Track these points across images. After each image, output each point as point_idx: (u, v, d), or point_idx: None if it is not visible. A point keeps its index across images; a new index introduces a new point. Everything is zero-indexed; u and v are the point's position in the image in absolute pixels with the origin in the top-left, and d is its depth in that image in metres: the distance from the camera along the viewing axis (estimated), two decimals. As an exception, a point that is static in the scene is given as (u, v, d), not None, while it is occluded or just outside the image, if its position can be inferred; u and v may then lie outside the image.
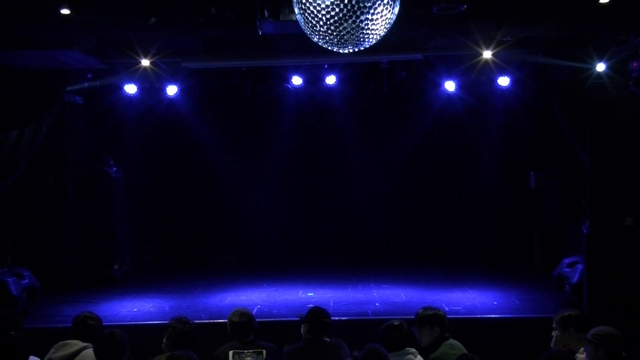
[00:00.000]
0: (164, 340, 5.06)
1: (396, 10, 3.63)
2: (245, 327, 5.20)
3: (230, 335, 5.24)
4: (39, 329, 7.03)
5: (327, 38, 3.58)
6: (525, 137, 11.09)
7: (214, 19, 6.42)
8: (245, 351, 5.04)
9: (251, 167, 11.78)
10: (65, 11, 6.14)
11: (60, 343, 4.90)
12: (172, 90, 9.91)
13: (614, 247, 7.24)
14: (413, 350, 4.81)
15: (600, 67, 7.90)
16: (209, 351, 5.21)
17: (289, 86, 10.05)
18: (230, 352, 5.03)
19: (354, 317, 7.45)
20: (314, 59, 8.64)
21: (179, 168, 11.68)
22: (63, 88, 8.92)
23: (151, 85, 9.73)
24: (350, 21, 3.42)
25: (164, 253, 11.49)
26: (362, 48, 3.72)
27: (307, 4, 3.44)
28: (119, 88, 9.74)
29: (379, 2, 3.41)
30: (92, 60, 7.97)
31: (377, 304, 8.09)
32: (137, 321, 7.42)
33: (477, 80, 9.71)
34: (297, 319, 5.55)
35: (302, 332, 5.31)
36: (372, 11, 3.42)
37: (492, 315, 7.48)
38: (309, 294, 8.78)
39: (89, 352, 4.69)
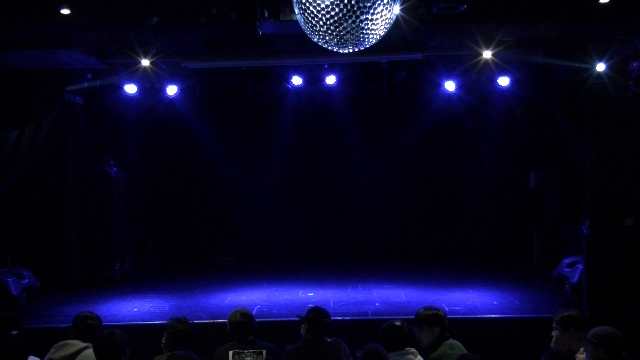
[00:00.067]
0: (163, 341, 5.06)
1: (396, 10, 3.63)
2: (245, 327, 5.20)
3: (230, 335, 5.24)
4: (39, 329, 7.03)
5: (327, 38, 3.58)
6: (525, 137, 11.09)
7: (214, 19, 6.42)
8: (245, 351, 5.04)
9: (251, 167, 11.79)
10: (65, 11, 6.15)
11: (60, 343, 4.90)
12: (172, 90, 9.91)
13: (614, 247, 7.23)
14: (413, 350, 4.81)
15: (600, 67, 7.90)
16: (209, 351, 5.21)
17: (289, 86, 10.05)
18: (230, 352, 5.03)
19: (354, 317, 7.44)
20: (314, 59, 8.64)
21: (179, 168, 11.68)
22: (63, 88, 8.92)
23: (151, 85, 9.73)
24: (350, 21, 3.42)
25: (164, 253, 11.50)
26: (362, 48, 3.72)
27: (307, 4, 3.44)
28: (119, 88, 9.74)
29: (379, 2, 3.41)
30: (92, 60, 7.97)
31: (377, 304, 8.08)
32: (137, 321, 7.42)
33: (477, 80, 9.72)
34: (297, 319, 5.55)
35: (302, 332, 5.32)
36: (371, 11, 3.42)
37: (492, 315, 7.47)
38: (309, 294, 8.78)
39: (89, 352, 4.69)
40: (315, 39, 3.72)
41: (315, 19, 3.46)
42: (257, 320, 5.38)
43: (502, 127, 11.16)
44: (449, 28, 6.92)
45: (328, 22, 3.45)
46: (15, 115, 8.39)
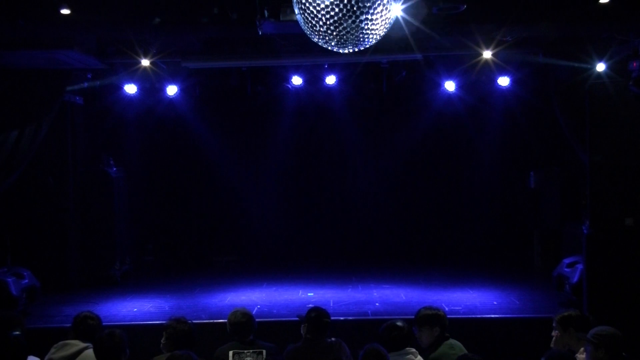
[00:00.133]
0: (162, 341, 5.06)
1: (396, 10, 3.63)
2: (244, 327, 5.20)
3: (230, 335, 5.24)
4: (39, 329, 7.03)
5: (327, 38, 3.58)
6: (525, 137, 11.10)
7: (214, 19, 6.42)
8: (245, 351, 5.04)
9: (251, 167, 11.79)
10: (65, 11, 6.15)
11: (60, 343, 4.90)
12: (172, 90, 9.91)
13: (614, 247, 7.23)
14: (413, 350, 4.81)
15: (600, 67, 7.90)
16: (209, 351, 5.21)
17: (289, 86, 10.05)
18: (230, 352, 5.03)
19: (354, 317, 7.45)
20: (314, 59, 8.64)
21: (179, 168, 11.68)
22: (63, 88, 8.91)
23: (151, 85, 9.73)
24: (349, 21, 3.42)
25: (164, 253, 11.49)
26: (361, 48, 3.72)
27: (307, 4, 3.44)
28: (119, 88, 9.73)
29: (379, 2, 3.41)
30: (92, 60, 7.97)
31: (377, 304, 8.09)
32: (137, 321, 7.43)
33: (477, 80, 9.72)
34: (297, 319, 5.55)
35: (302, 332, 5.31)
36: (371, 11, 3.42)
37: (492, 315, 7.48)
38: (309, 294, 8.78)
39: (90, 352, 4.69)
40: (315, 39, 3.72)
41: (315, 19, 3.46)
42: (257, 320, 5.38)
43: (502, 127, 11.16)
44: (449, 28, 6.91)
45: (328, 22, 3.45)
46: (15, 115, 8.39)
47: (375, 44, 3.74)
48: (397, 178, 11.73)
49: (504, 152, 11.33)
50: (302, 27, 3.70)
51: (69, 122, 9.62)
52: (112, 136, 10.90)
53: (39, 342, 5.26)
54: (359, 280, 9.60)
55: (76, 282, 9.56)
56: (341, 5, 3.37)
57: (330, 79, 9.75)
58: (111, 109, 10.45)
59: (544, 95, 9.67)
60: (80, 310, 5.36)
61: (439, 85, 10.01)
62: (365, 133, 11.69)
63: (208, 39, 7.98)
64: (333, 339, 5.21)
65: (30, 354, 4.68)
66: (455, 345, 4.99)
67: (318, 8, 3.42)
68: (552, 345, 4.91)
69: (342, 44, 3.60)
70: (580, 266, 7.78)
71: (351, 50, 3.73)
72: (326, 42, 3.66)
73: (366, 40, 3.61)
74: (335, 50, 3.75)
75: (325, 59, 8.87)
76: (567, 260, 8.34)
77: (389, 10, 3.52)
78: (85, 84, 9.24)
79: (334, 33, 3.51)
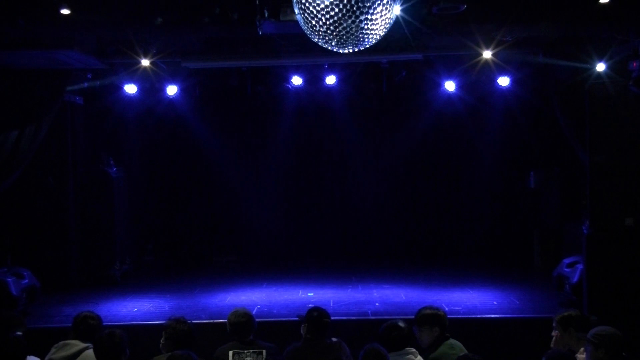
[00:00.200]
0: (161, 341, 5.06)
1: (396, 10, 3.63)
2: (244, 327, 5.20)
3: (230, 335, 5.24)
4: (39, 329, 7.03)
5: (327, 38, 3.58)
6: (525, 137, 11.09)
7: (215, 19, 6.42)
8: (245, 351, 5.04)
9: (251, 167, 11.79)
10: (65, 11, 6.15)
11: (61, 343, 4.90)
12: (172, 90, 9.91)
13: (614, 247, 7.23)
14: (413, 350, 4.81)
15: (600, 67, 7.89)
16: (209, 351, 5.21)
17: (289, 86, 10.05)
18: (230, 352, 5.03)
19: (354, 317, 7.45)
20: (314, 59, 8.64)
21: (179, 168, 11.68)
22: (63, 88, 8.91)
23: (151, 85, 9.73)
24: (349, 21, 3.42)
25: (164, 253, 11.49)
26: (361, 48, 3.73)
27: (307, 4, 3.44)
28: (119, 88, 9.73)
29: (378, 2, 3.42)
30: (92, 60, 7.97)
31: (377, 304, 8.09)
32: (137, 321, 7.43)
33: (477, 80, 9.71)
34: (297, 319, 5.55)
35: (302, 332, 5.31)
36: (371, 11, 3.42)
37: (492, 315, 7.48)
38: (309, 294, 8.78)
39: (90, 352, 4.69)
40: (315, 39, 3.72)
41: (315, 19, 3.47)
42: (257, 320, 5.38)
43: (502, 127, 11.15)
44: (449, 28, 6.91)
45: (328, 22, 3.45)
46: (15, 115, 8.38)
47: (375, 43, 3.75)
48: (397, 178, 11.72)
49: (504, 152, 11.33)
50: (302, 27, 3.70)
51: (69, 122, 9.63)
52: (112, 136, 10.90)
53: (39, 342, 5.27)
54: (359, 280, 9.60)
55: (76, 282, 9.56)
56: (341, 5, 3.37)
57: (330, 79, 9.75)
58: (111, 109, 10.45)
59: (544, 95, 9.67)
60: (80, 310, 5.37)
61: (439, 85, 10.00)
62: (365, 133, 11.68)
63: (208, 39, 7.97)
64: (333, 339, 5.21)
65: (30, 354, 4.69)
66: (455, 345, 5.00)
67: (318, 8, 3.42)
68: (552, 345, 4.91)
69: (342, 44, 3.60)
70: (580, 266, 7.78)
71: (351, 50, 3.74)
72: (326, 42, 3.67)
73: (366, 40, 3.61)
74: (335, 50, 3.75)
75: (325, 59, 8.87)
76: (567, 260, 8.34)
77: (389, 10, 3.52)
78: (85, 84, 9.24)
79: (334, 33, 3.51)
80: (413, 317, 5.16)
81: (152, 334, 5.77)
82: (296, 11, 3.62)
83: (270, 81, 10.10)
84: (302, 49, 7.91)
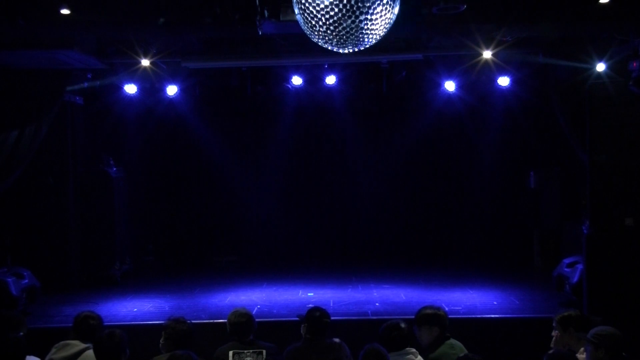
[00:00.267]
0: (161, 341, 5.06)
1: (396, 10, 3.63)
2: (244, 327, 5.20)
3: (230, 335, 5.24)
4: (39, 329, 7.03)
5: (327, 38, 3.58)
6: (525, 137, 11.09)
7: (215, 19, 6.42)
8: (245, 351, 5.04)
9: (251, 167, 11.78)
10: (65, 11, 6.15)
11: (61, 343, 4.90)
12: (172, 90, 9.90)
13: (614, 247, 7.23)
14: (413, 350, 4.81)
15: (600, 67, 7.90)
16: (209, 351, 5.21)
17: (289, 86, 10.05)
18: (230, 352, 5.03)
19: (354, 317, 7.45)
20: (314, 59, 8.64)
21: (179, 168, 11.68)
22: (63, 88, 8.92)
23: (151, 85, 9.73)
24: (349, 21, 3.42)
25: (164, 253, 11.49)
26: (361, 48, 3.73)
27: (307, 4, 3.44)
28: (119, 88, 9.73)
29: (378, 2, 3.42)
30: (92, 60, 7.97)
31: (377, 304, 8.08)
32: (137, 321, 7.43)
33: (477, 80, 9.71)
34: (297, 319, 5.55)
35: (302, 332, 5.31)
36: (371, 11, 3.42)
37: (492, 315, 7.48)
38: (309, 294, 8.78)
39: (91, 352, 4.69)
40: (315, 39, 3.72)
41: (315, 19, 3.47)
42: (257, 320, 5.38)
43: (502, 127, 11.15)
44: (449, 28, 6.91)
45: (327, 22, 3.45)
46: (15, 115, 8.39)
47: (375, 43, 3.75)
48: (397, 178, 11.72)
49: (504, 152, 11.32)
50: (302, 27, 3.70)
51: (69, 122, 9.62)
52: (112, 136, 10.90)
53: (39, 342, 5.27)
54: (359, 280, 9.59)
55: (76, 282, 9.56)
56: (341, 6, 3.38)
57: (330, 79, 9.75)
58: (111, 109, 10.45)
59: (544, 95, 9.67)
60: (81, 310, 5.37)
61: (439, 85, 10.00)
62: (365, 133, 11.68)
63: (208, 39, 7.98)
64: (333, 339, 5.21)
65: (30, 354, 4.68)
66: (455, 345, 4.99)
67: (318, 8, 3.42)
68: (552, 345, 4.91)
69: (342, 44, 3.60)
70: (580, 266, 7.78)
71: (351, 50, 3.74)
72: (326, 42, 3.67)
73: (366, 40, 3.61)
74: (335, 50, 3.76)
75: (325, 59, 8.87)
76: (567, 260, 8.34)
77: (389, 11, 3.52)
78: (85, 84, 9.24)
79: (334, 33, 3.51)
80: (413, 317, 5.16)
81: (152, 334, 5.76)
82: (296, 11, 3.62)
83: (270, 81, 10.10)
84: (302, 49, 7.92)
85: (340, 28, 3.47)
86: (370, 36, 3.59)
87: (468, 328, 6.72)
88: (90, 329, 4.95)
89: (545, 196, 10.71)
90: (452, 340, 5.03)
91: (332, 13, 3.41)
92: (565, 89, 8.66)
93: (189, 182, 11.72)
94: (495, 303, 8.03)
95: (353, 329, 6.85)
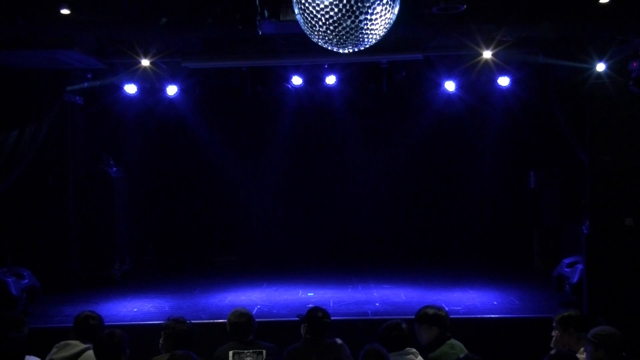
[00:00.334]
0: (160, 341, 5.06)
1: (396, 10, 3.63)
2: (244, 327, 5.20)
3: (230, 335, 5.24)
4: (39, 329, 7.02)
5: (327, 38, 3.59)
6: (525, 137, 11.09)
7: (215, 19, 6.42)
8: (245, 351, 5.04)
9: (251, 167, 11.78)
10: (65, 11, 6.14)
11: (62, 343, 4.90)
12: (172, 90, 9.90)
13: (614, 247, 7.23)
14: (414, 350, 4.81)
15: (600, 67, 7.90)
16: (209, 351, 5.21)
17: (289, 86, 10.05)
18: (230, 352, 5.03)
19: (354, 317, 7.44)
20: (314, 59, 8.64)
21: (179, 168, 11.67)
22: (63, 88, 8.91)
23: (151, 85, 9.72)
24: (349, 21, 3.42)
25: (164, 253, 11.49)
26: (361, 48, 3.73)
27: (307, 4, 3.44)
28: (119, 88, 9.73)
29: (378, 2, 3.42)
30: (92, 60, 7.96)
31: (377, 304, 8.08)
32: (137, 321, 7.43)
33: (477, 80, 9.70)
34: (297, 319, 5.55)
35: (302, 332, 5.31)
36: (370, 11, 3.42)
37: (492, 315, 7.47)
38: (309, 294, 8.78)
39: (91, 353, 4.69)
40: (315, 39, 3.72)
41: (315, 19, 3.47)
42: (257, 320, 5.38)
43: (502, 127, 11.15)
44: (449, 28, 6.91)
45: (327, 22, 3.45)
46: (15, 115, 8.38)
47: (375, 43, 3.75)
48: (397, 178, 11.72)
49: (504, 152, 11.32)
50: (302, 27, 3.70)
51: (69, 122, 9.62)
52: (112, 136, 10.90)
53: (39, 342, 5.27)
54: (359, 280, 9.59)
55: (76, 282, 9.55)
56: (340, 6, 3.38)
57: (330, 79, 9.75)
58: (111, 109, 10.45)
59: (544, 95, 9.67)
60: (81, 310, 5.37)
61: (439, 85, 10.00)
62: (365, 133, 11.68)
63: (208, 39, 7.97)
64: (333, 339, 5.21)
65: (30, 354, 4.68)
66: (455, 345, 5.00)
67: (318, 8, 3.42)
68: (552, 345, 4.91)
69: (342, 44, 3.61)
70: (580, 266, 7.78)
71: (351, 50, 3.74)
72: (326, 42, 3.67)
73: (366, 40, 3.61)
74: (335, 50, 3.76)
75: (325, 59, 8.87)
76: (567, 260, 8.34)
77: (389, 11, 3.52)
78: (85, 84, 9.24)
79: (334, 33, 3.51)
80: (413, 317, 5.17)
81: (152, 334, 5.76)
82: (296, 11, 3.62)
83: (270, 81, 10.09)
84: (302, 49, 7.92)
85: (340, 28, 3.47)
86: (370, 36, 3.59)
87: (468, 328, 6.72)
88: (91, 329, 4.96)
89: (545, 196, 10.71)
90: (453, 340, 5.03)
91: (332, 13, 3.41)
92: (565, 89, 8.66)
93: (189, 182, 11.72)
94: (495, 303, 8.03)
95: (353, 329, 6.85)
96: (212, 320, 7.21)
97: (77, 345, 4.84)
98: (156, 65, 8.49)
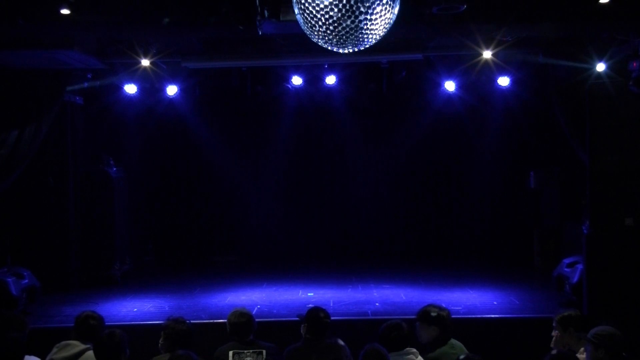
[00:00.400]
0: (160, 341, 5.06)
1: (396, 10, 3.63)
2: (244, 327, 5.20)
3: (230, 335, 5.24)
4: (39, 329, 7.01)
5: (327, 38, 3.59)
6: (525, 137, 11.10)
7: (215, 19, 6.42)
8: (245, 351, 5.04)
9: (251, 167, 11.79)
10: (65, 11, 6.14)
11: (62, 343, 4.91)
12: (172, 90, 9.90)
13: (614, 247, 7.23)
14: (414, 350, 4.81)
15: (600, 67, 7.90)
16: (209, 351, 5.21)
17: (289, 86, 10.05)
18: (230, 352, 5.03)
19: (354, 317, 7.44)
20: (314, 59, 8.64)
21: (179, 168, 11.69)
22: (63, 88, 8.92)
23: (151, 85, 9.72)
24: (349, 21, 3.42)
25: (164, 253, 11.50)
26: (361, 48, 3.73)
27: (306, 4, 3.44)
28: (119, 88, 9.73)
29: (378, 2, 3.42)
30: (92, 60, 7.97)
31: (377, 304, 8.08)
32: (137, 321, 7.42)
33: (477, 80, 9.70)
34: (297, 319, 5.55)
35: (302, 332, 5.31)
36: (370, 11, 3.42)
37: (492, 315, 7.47)
38: (309, 294, 8.78)
39: (91, 353, 4.69)
40: (315, 39, 3.73)
41: (315, 19, 3.47)
42: (257, 320, 5.38)
43: (502, 127, 11.15)
44: (449, 28, 6.91)
45: (327, 22, 3.45)
46: (15, 115, 8.39)
47: (375, 43, 3.75)
48: (397, 178, 11.73)
49: (504, 152, 11.33)
50: (302, 27, 3.70)
51: (69, 122, 9.62)
52: (112, 136, 10.90)
53: (39, 342, 5.27)
54: (359, 280, 9.59)
55: (76, 282, 9.54)
56: (340, 6, 3.38)
57: (330, 79, 9.75)
58: (111, 109, 10.45)
59: (544, 95, 9.67)
60: (81, 310, 5.37)
61: (439, 85, 10.00)
62: (365, 133, 11.69)
63: (208, 39, 7.97)
64: (333, 339, 5.21)
65: (29, 354, 4.68)
66: (456, 345, 5.00)
67: (317, 8, 3.42)
68: (552, 345, 4.91)
69: (342, 44, 3.61)
70: (580, 266, 7.77)
71: (351, 50, 3.74)
72: (326, 42, 3.67)
73: (366, 40, 3.61)
74: (335, 50, 3.76)
75: (325, 59, 8.87)
76: (567, 260, 8.34)
77: (389, 11, 3.52)
78: (85, 84, 9.24)
79: (334, 33, 3.51)
80: (413, 317, 5.17)
81: (152, 334, 5.76)
82: (296, 11, 3.62)
83: (270, 81, 10.09)
84: (302, 49, 7.92)
85: (340, 28, 3.47)
86: (370, 36, 3.59)
87: (468, 328, 6.71)
88: (91, 329, 4.96)
89: (545, 196, 10.71)
90: (453, 341, 5.03)
91: (331, 13, 3.41)
92: (565, 89, 8.66)
93: (189, 182, 11.73)
94: (495, 303, 8.03)
95: (353, 329, 6.85)
96: (212, 320, 7.20)
97: (77, 346, 4.84)
98: (156, 65, 8.49)
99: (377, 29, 3.56)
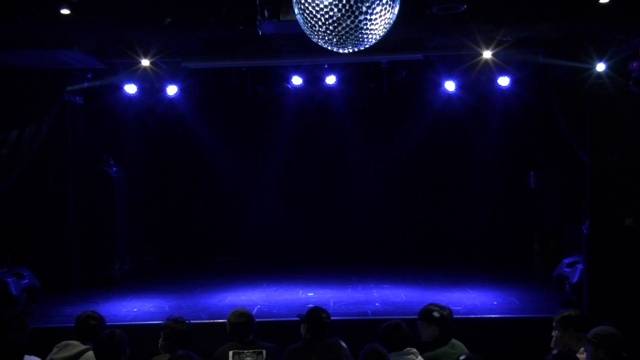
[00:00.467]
0: (160, 341, 5.06)
1: (396, 10, 3.63)
2: (244, 327, 5.20)
3: (230, 335, 5.24)
4: (39, 329, 7.01)
5: (327, 38, 3.59)
6: (525, 137, 11.10)
7: (215, 19, 6.42)
8: (245, 351, 5.04)
9: (251, 167, 11.80)
10: (65, 11, 6.15)
11: (63, 343, 4.91)
12: (172, 90, 9.90)
13: (614, 247, 7.23)
14: (414, 350, 4.81)
15: (600, 67, 7.90)
16: (209, 351, 5.21)
17: (289, 86, 10.05)
18: (230, 352, 5.03)
19: (354, 317, 7.44)
20: (314, 59, 8.64)
21: (179, 168, 11.69)
22: (63, 88, 8.92)
23: (151, 85, 9.72)
24: (348, 21, 3.42)
25: (164, 253, 11.50)
26: (361, 48, 3.73)
27: (306, 4, 3.44)
28: (119, 88, 9.73)
29: (378, 2, 3.42)
30: (92, 60, 7.97)
31: (377, 304, 8.08)
32: (137, 321, 7.42)
33: (477, 80, 9.70)
34: (297, 319, 5.55)
35: (302, 332, 5.31)
36: (370, 11, 3.42)
37: (492, 315, 7.47)
38: (309, 294, 8.78)
39: (92, 353, 4.69)
40: (315, 39, 3.73)
41: (315, 19, 3.47)
42: (257, 320, 5.38)
43: (502, 127, 11.16)
44: (449, 28, 6.91)
45: (327, 22, 3.45)
46: (15, 115, 8.39)
47: (375, 43, 3.75)
48: (397, 178, 11.73)
49: (504, 152, 11.33)
50: (302, 27, 3.70)
51: (69, 122, 9.61)
52: (112, 136, 10.90)
53: (39, 342, 5.27)
54: (359, 280, 9.59)
55: (76, 282, 9.54)
56: (340, 6, 3.38)
57: (330, 79, 9.75)
58: (111, 109, 10.45)
59: (544, 95, 9.67)
60: (81, 310, 5.38)
61: (439, 85, 10.00)
62: (365, 133, 11.69)
63: (208, 39, 7.97)
64: (333, 339, 5.21)
65: (29, 354, 4.68)
66: (456, 344, 5.00)
67: (317, 8, 3.42)
68: (552, 345, 4.91)
69: (342, 44, 3.61)
70: (580, 266, 7.77)
71: (351, 50, 3.74)
72: (326, 42, 3.67)
73: (366, 40, 3.61)
74: (335, 50, 3.76)
75: (325, 59, 8.87)
76: (567, 260, 8.34)
77: (389, 11, 3.52)
78: (85, 84, 9.23)
79: (334, 33, 3.51)
80: (413, 317, 5.17)
81: (152, 334, 5.76)
82: (296, 11, 3.62)
83: (270, 81, 10.09)
84: (302, 49, 7.91)
85: (340, 28, 3.47)
86: (370, 36, 3.59)
87: (468, 328, 6.71)
88: (91, 329, 4.96)
89: (545, 196, 10.71)
90: (454, 340, 5.03)
91: (331, 13, 3.41)
92: (565, 89, 8.66)
93: (189, 182, 11.73)
94: (495, 303, 8.03)
95: (353, 329, 6.85)
96: (212, 320, 7.20)
97: (77, 346, 4.84)
98: (156, 65, 8.49)
99: (377, 29, 3.56)
